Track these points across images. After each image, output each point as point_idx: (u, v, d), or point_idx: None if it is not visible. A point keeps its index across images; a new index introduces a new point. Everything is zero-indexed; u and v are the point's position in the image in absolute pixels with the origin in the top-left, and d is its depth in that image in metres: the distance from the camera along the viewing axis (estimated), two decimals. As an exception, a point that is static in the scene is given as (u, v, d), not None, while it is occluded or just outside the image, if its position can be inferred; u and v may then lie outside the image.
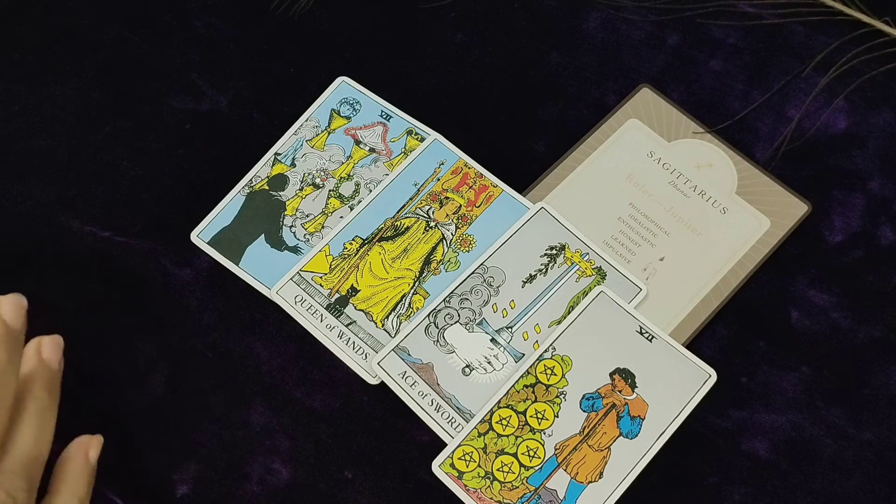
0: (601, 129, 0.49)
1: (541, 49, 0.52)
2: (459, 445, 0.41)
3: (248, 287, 0.45)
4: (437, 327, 0.44)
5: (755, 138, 0.49)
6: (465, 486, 0.41)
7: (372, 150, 0.49)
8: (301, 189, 0.48)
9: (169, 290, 0.46)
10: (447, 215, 0.47)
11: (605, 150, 0.49)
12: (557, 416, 0.42)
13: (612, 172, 0.48)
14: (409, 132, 0.49)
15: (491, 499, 0.40)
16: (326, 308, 0.45)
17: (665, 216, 0.47)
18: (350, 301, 0.45)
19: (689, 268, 0.46)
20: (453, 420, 0.42)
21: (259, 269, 0.46)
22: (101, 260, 0.47)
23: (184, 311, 0.46)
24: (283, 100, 0.50)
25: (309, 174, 0.48)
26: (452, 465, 0.41)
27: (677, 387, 0.43)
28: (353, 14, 0.53)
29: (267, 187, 0.48)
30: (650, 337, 0.44)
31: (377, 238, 0.46)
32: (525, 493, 0.41)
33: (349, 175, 0.48)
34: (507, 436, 0.42)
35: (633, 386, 0.43)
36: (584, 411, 0.42)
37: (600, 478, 0.41)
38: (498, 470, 0.41)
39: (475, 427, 0.42)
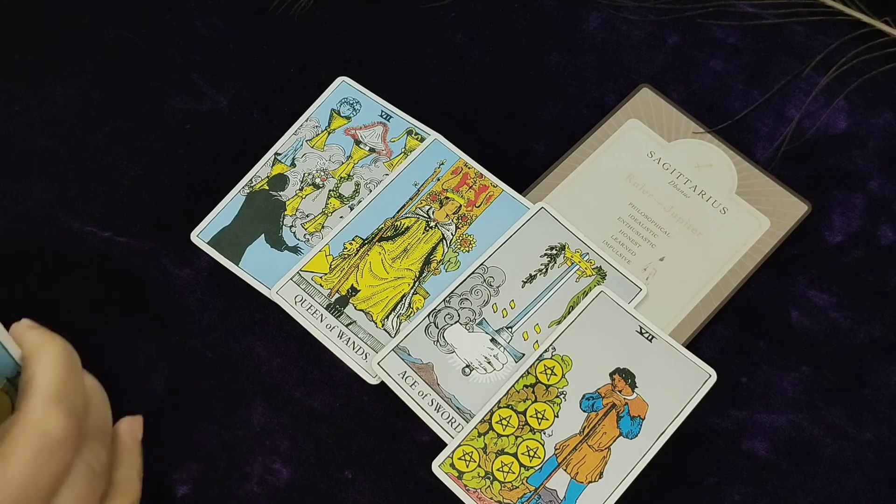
0: (601, 129, 0.49)
1: (541, 49, 0.52)
2: (459, 445, 0.41)
3: (248, 287, 0.45)
4: (437, 327, 0.44)
5: (755, 138, 0.49)
6: (465, 486, 0.41)
7: (372, 150, 0.49)
8: (301, 189, 0.48)
9: (169, 290, 0.46)
10: (447, 215, 0.47)
11: (605, 150, 0.49)
12: (557, 416, 0.42)
13: (612, 172, 0.48)
14: (409, 132, 0.49)
15: (491, 499, 0.40)
16: (326, 308, 0.45)
17: (665, 216, 0.47)
18: (350, 301, 0.45)
19: (689, 268, 0.46)
20: (453, 420, 0.42)
21: (259, 269, 0.46)
22: (101, 260, 0.47)
23: (184, 311, 0.46)
24: (283, 100, 0.50)
25: (309, 174, 0.48)
26: (452, 465, 0.41)
27: (677, 387, 0.43)
28: (353, 14, 0.53)
29: (267, 187, 0.48)
30: (650, 337, 0.44)
31: (377, 238, 0.46)
32: (525, 493, 0.41)
33: (349, 175, 0.48)
34: (507, 436, 0.42)
35: (633, 386, 0.43)
36: (584, 411, 0.42)
37: (600, 478, 0.41)
38: (498, 470, 0.41)
39: (475, 427, 0.42)
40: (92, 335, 0.44)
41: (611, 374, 0.43)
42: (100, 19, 0.53)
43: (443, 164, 0.48)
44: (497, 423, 0.42)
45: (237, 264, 0.46)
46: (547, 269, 0.45)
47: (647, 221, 0.47)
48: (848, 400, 0.44)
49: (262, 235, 0.47)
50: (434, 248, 0.46)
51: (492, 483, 0.41)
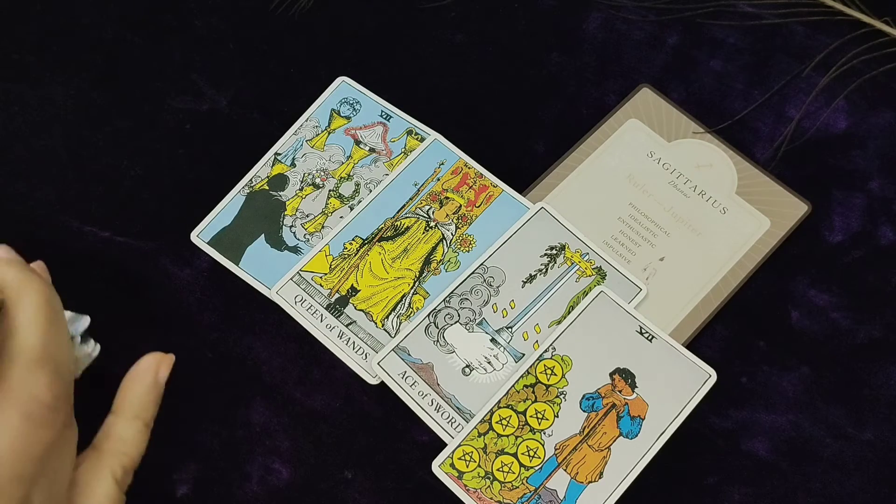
0: (601, 129, 0.49)
1: (541, 49, 0.52)
2: (459, 445, 0.41)
3: (248, 287, 0.45)
4: (437, 327, 0.44)
5: (755, 138, 0.49)
6: (465, 486, 0.41)
7: (372, 150, 0.49)
8: (301, 189, 0.48)
9: (169, 290, 0.46)
10: (447, 215, 0.47)
11: (605, 150, 0.49)
12: (557, 416, 0.42)
13: (612, 172, 0.48)
14: (409, 132, 0.49)
15: (491, 499, 0.40)
16: (326, 308, 0.45)
17: (665, 216, 0.47)
18: (350, 301, 0.45)
19: (689, 268, 0.46)
20: (453, 420, 0.42)
21: (259, 269, 0.46)
22: (101, 260, 0.47)
23: (184, 311, 0.46)
24: (283, 100, 0.50)
25: (309, 174, 0.48)
26: (452, 465, 0.41)
27: (677, 387, 0.43)
28: (353, 14, 0.53)
29: (267, 187, 0.48)
30: (650, 337, 0.44)
31: (377, 238, 0.46)
32: (525, 493, 0.41)
33: (349, 175, 0.48)
34: (507, 436, 0.42)
35: (633, 386, 0.43)
36: (584, 411, 0.42)
37: (600, 478, 0.41)
38: (498, 470, 0.41)
39: (475, 427, 0.42)
40: (92, 335, 0.44)
41: (611, 374, 0.43)
42: (100, 19, 0.53)
43: (443, 164, 0.48)
44: (497, 423, 0.42)
45: (237, 264, 0.46)
46: (547, 269, 0.45)
47: (647, 221, 0.47)
48: (848, 400, 0.44)
49: (262, 235, 0.47)
50: (434, 248, 0.46)
51: (492, 483, 0.41)
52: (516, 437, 0.42)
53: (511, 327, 0.44)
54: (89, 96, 0.51)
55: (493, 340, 0.44)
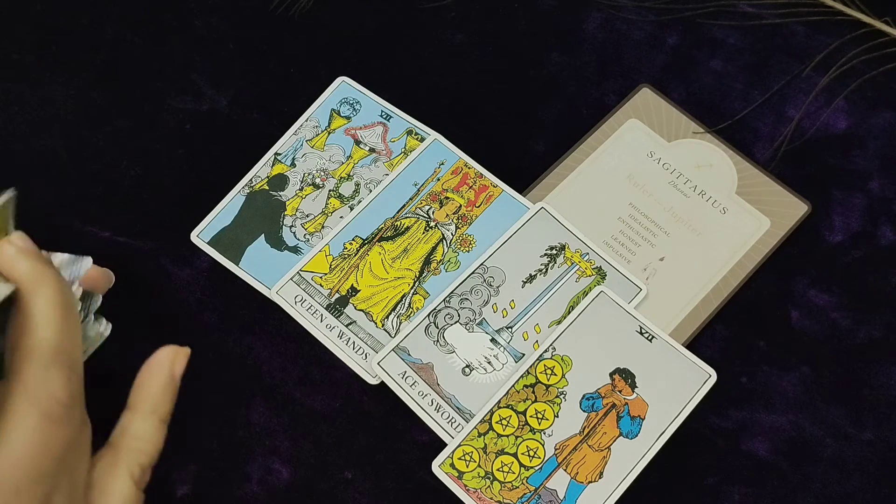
0: (601, 129, 0.49)
1: (541, 49, 0.52)
2: (459, 445, 0.41)
3: (248, 287, 0.45)
4: (437, 327, 0.44)
5: (755, 138, 0.49)
6: (465, 486, 0.41)
7: (372, 150, 0.49)
8: (301, 189, 0.48)
9: (169, 290, 0.46)
10: (447, 215, 0.47)
11: (605, 150, 0.49)
12: (557, 416, 0.42)
13: (612, 172, 0.48)
14: (409, 132, 0.49)
15: (491, 499, 0.40)
16: (326, 308, 0.45)
17: (665, 216, 0.47)
18: (350, 301, 0.45)
19: (689, 268, 0.46)
20: (453, 420, 0.42)
21: (259, 269, 0.46)
22: (101, 260, 0.47)
23: (184, 311, 0.46)
24: (283, 100, 0.50)
25: (309, 174, 0.48)
26: (452, 465, 0.41)
27: (677, 387, 0.43)
28: (353, 14, 0.53)
29: (267, 187, 0.48)
30: (650, 337, 0.44)
31: (377, 238, 0.46)
32: (525, 493, 0.41)
33: (349, 175, 0.48)
34: (507, 436, 0.42)
35: (633, 386, 0.43)
36: (584, 411, 0.42)
37: (600, 478, 0.41)
38: (498, 470, 0.41)
39: (475, 427, 0.42)
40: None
41: (611, 374, 0.43)
42: (100, 19, 0.53)
43: (443, 164, 0.48)
44: (497, 423, 0.42)
45: (237, 264, 0.46)
46: (547, 269, 0.45)
47: (647, 221, 0.47)
48: (848, 400, 0.44)
49: (262, 235, 0.47)
50: (434, 248, 0.46)
51: (492, 483, 0.41)
52: (516, 437, 0.42)
53: (511, 327, 0.44)
54: (89, 96, 0.51)
55: (493, 340, 0.44)
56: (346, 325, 0.44)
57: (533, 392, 0.42)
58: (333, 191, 0.48)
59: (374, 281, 0.45)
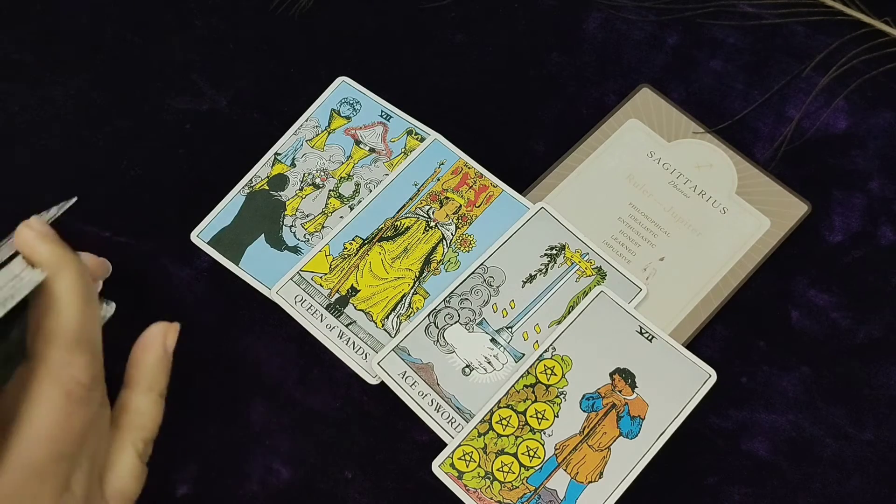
0: (601, 129, 0.49)
1: (541, 49, 0.52)
2: (459, 445, 0.41)
3: (248, 287, 0.45)
4: (437, 327, 0.44)
5: (755, 138, 0.49)
6: (465, 486, 0.41)
7: (372, 150, 0.49)
8: (301, 189, 0.48)
9: (169, 290, 0.46)
10: (447, 215, 0.47)
11: (605, 150, 0.49)
12: (557, 416, 0.42)
13: (612, 172, 0.48)
14: (409, 132, 0.49)
15: (491, 499, 0.40)
16: (326, 308, 0.45)
17: (665, 216, 0.47)
18: (350, 301, 0.45)
19: (689, 268, 0.46)
20: (453, 420, 0.42)
21: (259, 269, 0.46)
22: (101, 260, 0.47)
23: (184, 312, 0.46)
24: (283, 100, 0.50)
25: (309, 174, 0.48)
26: (452, 465, 0.41)
27: (677, 387, 0.43)
28: (353, 14, 0.53)
29: (267, 187, 0.48)
30: (650, 337, 0.44)
31: (377, 238, 0.46)
32: (525, 493, 0.41)
33: (349, 175, 0.48)
34: (507, 436, 0.42)
35: (633, 386, 0.43)
36: (584, 411, 0.42)
37: (600, 478, 0.41)
38: (498, 470, 0.41)
39: (475, 427, 0.42)
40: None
41: (611, 374, 0.43)
42: (100, 19, 0.53)
43: (443, 164, 0.48)
44: (497, 423, 0.42)
45: (237, 264, 0.46)
46: (547, 269, 0.45)
47: (647, 221, 0.47)
48: (848, 400, 0.44)
49: (262, 235, 0.47)
50: (434, 248, 0.46)
51: (492, 483, 0.41)
52: (516, 437, 0.42)
53: (511, 327, 0.44)
54: (89, 96, 0.51)
55: (493, 340, 0.44)
56: (346, 325, 0.44)
57: (533, 392, 0.42)
58: (333, 191, 0.48)
59: (374, 281, 0.45)
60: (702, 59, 0.51)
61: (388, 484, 0.42)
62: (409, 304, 0.45)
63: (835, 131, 0.50)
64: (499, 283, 0.45)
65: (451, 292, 0.45)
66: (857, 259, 0.47)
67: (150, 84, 0.51)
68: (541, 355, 0.43)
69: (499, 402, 0.42)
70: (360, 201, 0.47)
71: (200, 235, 0.46)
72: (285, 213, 0.47)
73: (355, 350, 0.44)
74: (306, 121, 0.49)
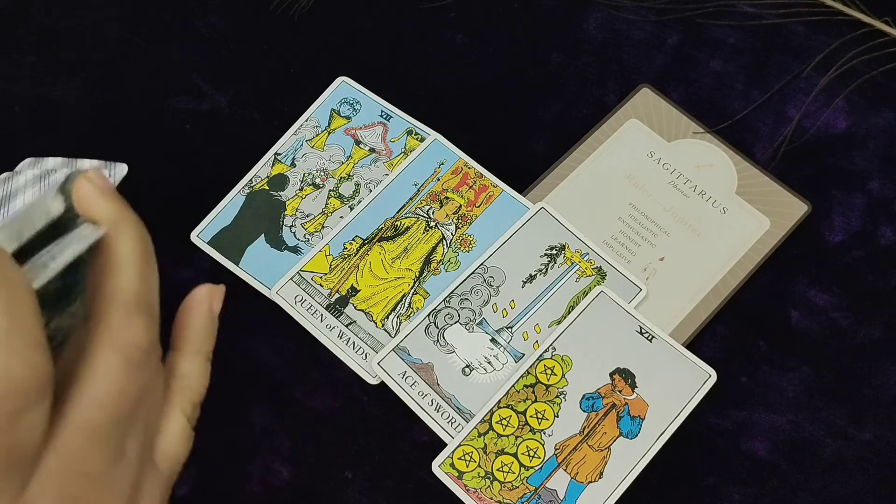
0: (601, 129, 0.49)
1: (541, 49, 0.52)
2: (459, 445, 0.41)
3: (248, 287, 0.45)
4: (437, 327, 0.44)
5: (755, 138, 0.49)
6: (465, 486, 0.41)
7: (372, 150, 0.49)
8: (301, 189, 0.48)
9: (169, 290, 0.46)
10: (447, 215, 0.47)
11: (605, 150, 0.49)
12: (557, 416, 0.42)
13: (612, 172, 0.48)
14: (409, 132, 0.49)
15: (491, 499, 0.40)
16: (326, 308, 0.45)
17: (665, 216, 0.47)
18: (350, 301, 0.45)
19: (689, 268, 0.46)
20: (453, 420, 0.42)
21: (259, 269, 0.46)
22: (101, 260, 0.47)
23: (184, 311, 0.45)
24: (283, 100, 0.50)
25: (309, 174, 0.48)
26: (452, 465, 0.41)
27: (677, 387, 0.43)
28: (353, 14, 0.53)
29: (267, 187, 0.48)
30: (650, 337, 0.44)
31: (377, 238, 0.46)
32: (525, 493, 0.41)
33: (349, 175, 0.48)
34: (507, 436, 0.42)
35: (633, 386, 0.43)
36: (584, 411, 0.42)
37: (600, 478, 0.41)
38: (498, 470, 0.41)
39: (475, 427, 0.42)
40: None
41: (611, 374, 0.43)
42: (100, 19, 0.53)
43: (443, 164, 0.48)
44: (497, 423, 0.42)
45: (237, 264, 0.46)
46: (547, 269, 0.45)
47: (647, 221, 0.47)
48: (848, 400, 0.44)
49: (262, 235, 0.47)
50: (434, 248, 0.46)
51: (492, 483, 0.41)
52: (516, 437, 0.42)
53: (511, 327, 0.44)
54: (89, 96, 0.51)
55: (493, 340, 0.44)
56: (346, 325, 0.44)
57: (533, 392, 0.42)
58: (333, 191, 0.48)
59: (374, 281, 0.45)
60: (702, 59, 0.51)
61: (388, 484, 0.42)
62: (409, 304, 0.45)
63: (835, 131, 0.50)
64: (499, 283, 0.45)
65: (451, 292, 0.45)
66: (857, 259, 0.47)
67: (150, 84, 0.51)
68: (541, 355, 0.43)
69: (499, 402, 0.42)
70: (360, 201, 0.47)
71: (200, 235, 0.46)
72: (285, 213, 0.47)
73: (355, 350, 0.44)
74: (306, 121, 0.49)
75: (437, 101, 0.50)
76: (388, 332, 0.44)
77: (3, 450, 0.26)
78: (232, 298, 0.46)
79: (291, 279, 0.45)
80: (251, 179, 0.48)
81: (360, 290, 0.45)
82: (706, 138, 0.49)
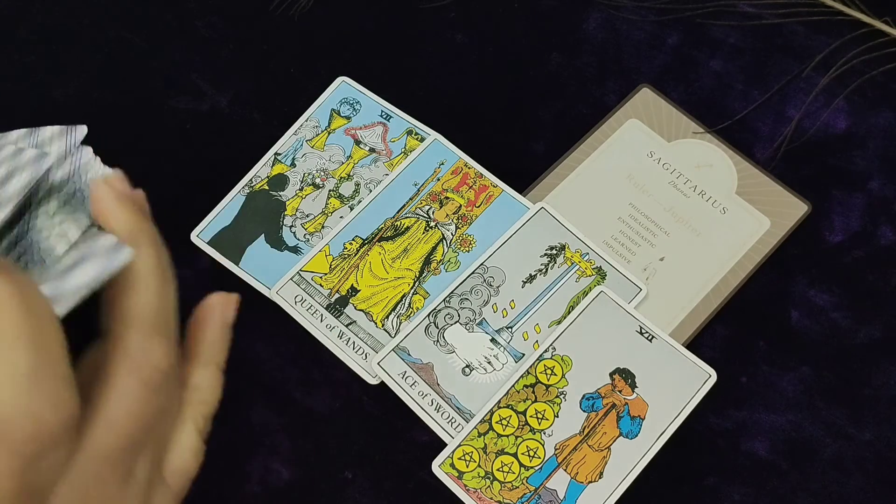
0: (601, 129, 0.49)
1: (541, 49, 0.52)
2: (459, 445, 0.41)
3: (248, 287, 0.45)
4: (437, 327, 0.44)
5: (755, 138, 0.49)
6: (465, 486, 0.41)
7: (372, 150, 0.49)
8: (301, 189, 0.48)
9: (169, 290, 0.46)
10: (447, 215, 0.47)
11: (605, 150, 0.49)
12: (557, 416, 0.42)
13: (612, 172, 0.48)
14: (409, 132, 0.49)
15: (491, 499, 0.40)
16: (326, 308, 0.45)
17: (665, 216, 0.47)
18: (350, 301, 0.45)
19: (689, 268, 0.46)
20: (453, 420, 0.42)
21: (259, 269, 0.46)
22: (101, 260, 0.47)
23: (184, 312, 0.45)
24: (283, 100, 0.50)
25: (309, 174, 0.48)
26: (452, 465, 0.41)
27: (677, 387, 0.43)
28: (353, 14, 0.53)
29: (267, 187, 0.48)
30: (650, 337, 0.44)
31: (377, 238, 0.46)
32: (525, 493, 0.41)
33: (349, 175, 0.48)
34: (507, 436, 0.42)
35: (633, 386, 0.43)
36: (584, 411, 0.42)
37: (600, 478, 0.41)
38: (498, 470, 0.41)
39: (475, 427, 0.42)
40: (92, 336, 0.44)
41: (611, 374, 0.43)
42: (100, 19, 0.53)
43: (443, 164, 0.48)
44: (497, 423, 0.42)
45: (237, 264, 0.46)
46: (547, 269, 0.45)
47: (647, 221, 0.47)
48: (848, 400, 0.44)
49: (262, 235, 0.47)
50: (434, 248, 0.46)
51: (492, 483, 0.41)
52: (516, 437, 0.42)
53: (511, 327, 0.44)
54: (89, 96, 0.51)
55: (493, 340, 0.44)
56: (346, 325, 0.44)
57: (533, 392, 0.42)
58: (333, 191, 0.48)
59: (374, 281, 0.45)
60: (702, 59, 0.51)
61: (388, 484, 0.42)
62: (409, 304, 0.45)
63: (835, 131, 0.50)
64: (499, 283, 0.45)
65: (451, 292, 0.45)
66: (857, 259, 0.47)
67: (150, 84, 0.51)
68: (541, 355, 0.43)
69: (499, 402, 0.42)
70: (360, 201, 0.47)
71: (200, 235, 0.46)
72: (285, 213, 0.47)
73: (355, 350, 0.44)
74: (306, 121, 0.49)
75: (437, 101, 0.50)
76: (388, 332, 0.44)
77: (21, 490, 0.25)
78: (232, 298, 0.46)
79: (291, 279, 0.45)
80: (251, 179, 0.48)
81: (360, 290, 0.45)
82: (706, 138, 0.49)
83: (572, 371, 0.43)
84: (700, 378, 0.43)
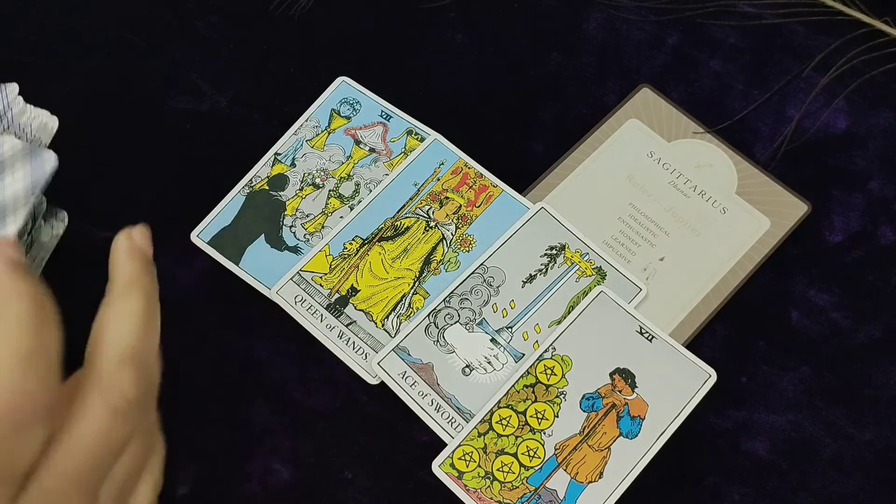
0: (601, 129, 0.49)
1: (541, 49, 0.52)
2: (459, 445, 0.41)
3: (248, 287, 0.45)
4: (437, 327, 0.44)
5: (755, 138, 0.49)
6: (465, 486, 0.41)
7: (372, 150, 0.49)
8: (301, 189, 0.48)
9: (169, 291, 0.46)
10: (447, 215, 0.47)
11: (605, 150, 0.49)
12: (557, 416, 0.42)
13: (612, 172, 0.48)
14: (409, 132, 0.49)
15: (491, 499, 0.40)
16: (326, 308, 0.45)
17: (665, 216, 0.47)
18: (350, 301, 0.45)
19: (689, 268, 0.46)
20: (453, 420, 0.42)
21: (259, 269, 0.46)
22: (102, 260, 0.47)
23: (184, 312, 0.46)
24: (283, 100, 0.50)
25: (309, 174, 0.48)
26: (452, 465, 0.41)
27: (677, 387, 0.43)
28: (353, 14, 0.53)
29: (267, 187, 0.48)
30: (650, 337, 0.44)
31: (377, 238, 0.46)
32: (525, 493, 0.41)
33: (349, 175, 0.48)
34: (507, 436, 0.42)
35: (633, 386, 0.43)
36: (584, 411, 0.42)
37: (600, 478, 0.41)
38: (498, 470, 0.41)
39: (475, 427, 0.42)
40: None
41: (611, 374, 0.43)
42: (100, 19, 0.53)
43: (443, 164, 0.48)
44: (497, 423, 0.42)
45: (237, 264, 0.46)
46: (547, 269, 0.45)
47: (647, 221, 0.47)
48: (848, 400, 0.44)
49: (262, 235, 0.47)
50: (434, 248, 0.46)
51: (492, 483, 0.41)
52: (516, 437, 0.42)
53: (511, 327, 0.44)
54: (89, 96, 0.51)
55: (493, 340, 0.44)
56: (346, 325, 0.44)
57: (533, 392, 0.42)
58: (333, 191, 0.48)
59: (374, 281, 0.45)
60: (702, 59, 0.51)
61: (388, 484, 0.42)
62: (409, 304, 0.45)
63: (835, 131, 0.50)
64: (499, 283, 0.45)
65: (451, 292, 0.45)
66: (857, 259, 0.47)
67: (150, 84, 0.51)
68: (541, 355, 0.43)
69: (499, 402, 0.42)
70: (360, 201, 0.47)
71: (200, 235, 0.46)
72: (285, 213, 0.47)
73: (355, 350, 0.44)
74: (306, 121, 0.49)
75: (437, 101, 0.50)
76: (388, 332, 0.44)
77: (2, 459, 0.27)
78: (232, 298, 0.46)
79: (291, 279, 0.45)
80: (251, 179, 0.48)
81: (360, 290, 0.45)
82: (706, 138, 0.49)
83: (572, 371, 0.43)
84: (700, 378, 0.43)
